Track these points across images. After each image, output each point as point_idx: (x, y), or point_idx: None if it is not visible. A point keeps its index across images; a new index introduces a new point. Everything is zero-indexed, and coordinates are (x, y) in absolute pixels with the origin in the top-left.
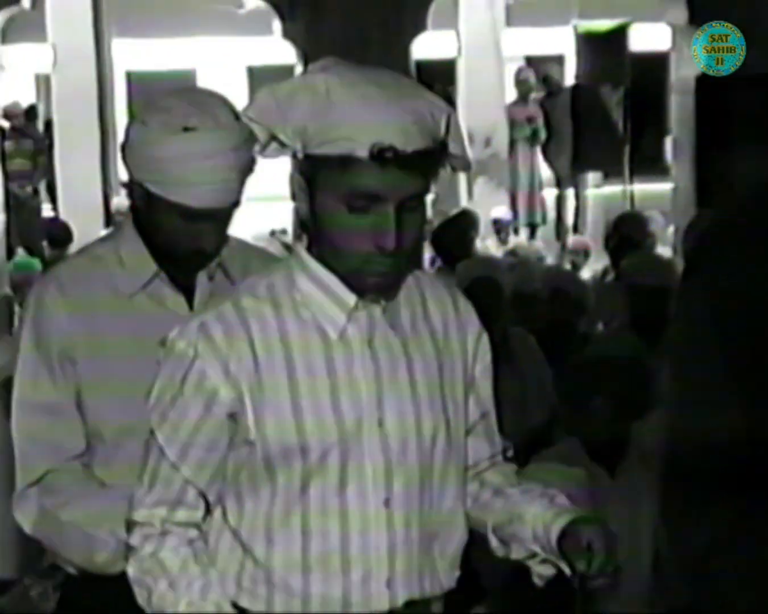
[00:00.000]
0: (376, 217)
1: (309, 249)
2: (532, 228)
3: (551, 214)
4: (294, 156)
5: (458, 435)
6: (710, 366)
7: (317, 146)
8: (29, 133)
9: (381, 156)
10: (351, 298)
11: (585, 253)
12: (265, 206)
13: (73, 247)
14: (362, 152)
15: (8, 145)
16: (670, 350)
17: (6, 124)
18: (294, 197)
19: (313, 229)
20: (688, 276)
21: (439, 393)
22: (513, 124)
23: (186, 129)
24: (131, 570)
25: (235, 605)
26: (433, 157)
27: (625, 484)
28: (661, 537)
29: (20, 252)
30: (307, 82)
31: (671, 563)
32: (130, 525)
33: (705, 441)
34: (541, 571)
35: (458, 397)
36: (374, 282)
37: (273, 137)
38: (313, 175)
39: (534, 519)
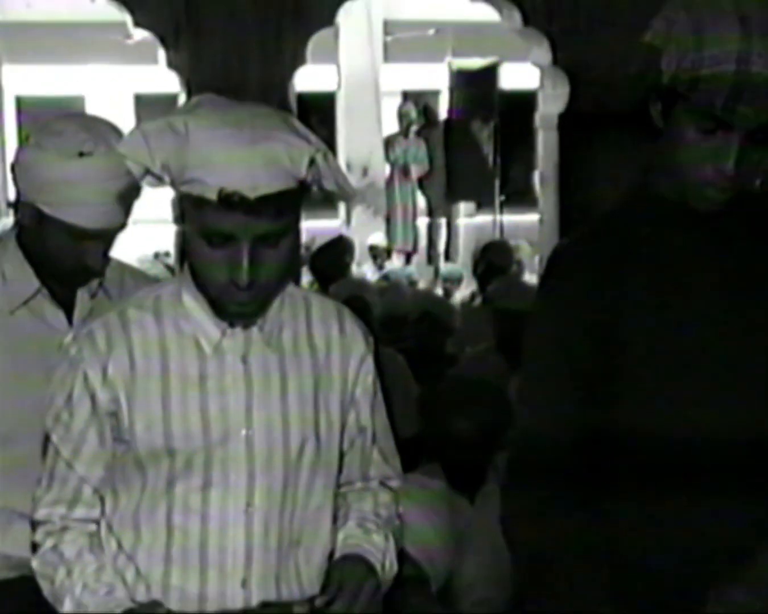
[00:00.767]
0: (230, 254)
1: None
2: (408, 254)
3: (423, 242)
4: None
5: (329, 450)
6: (551, 368)
7: (179, 184)
8: None
9: (228, 200)
10: (225, 318)
11: (458, 280)
12: (150, 229)
13: None
14: (211, 195)
15: None
16: (522, 357)
17: None
18: (176, 221)
19: (187, 255)
20: (539, 289)
21: (312, 409)
22: (390, 154)
23: (81, 154)
24: (35, 564)
25: None
26: (289, 198)
27: (485, 510)
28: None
29: None
30: (170, 121)
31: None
32: (33, 525)
33: (542, 439)
34: None
35: (333, 415)
36: (235, 311)
37: (147, 171)
38: (182, 207)
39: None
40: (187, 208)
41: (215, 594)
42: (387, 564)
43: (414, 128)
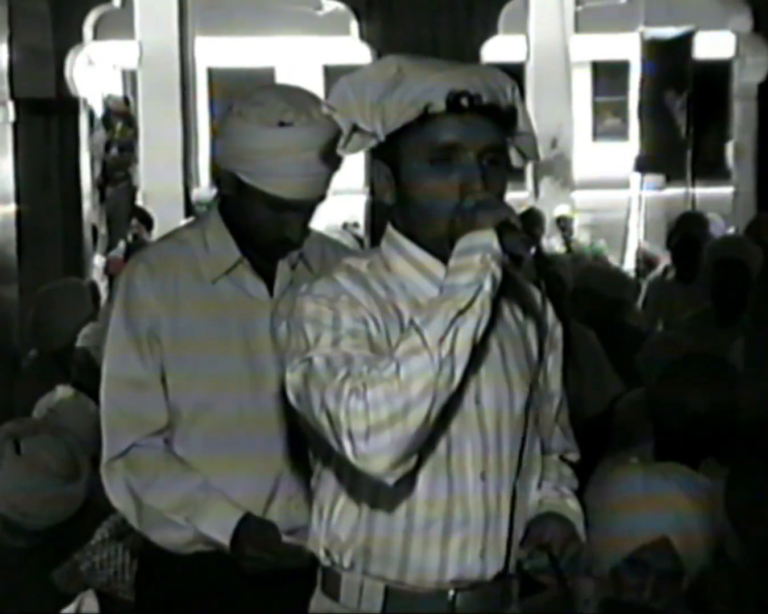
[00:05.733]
0: (460, 167)
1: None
2: None
3: (618, 215)
4: (373, 150)
5: (538, 414)
6: None
7: (396, 120)
8: (129, 123)
9: (457, 102)
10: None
11: (649, 263)
12: (338, 199)
13: (154, 235)
14: (440, 104)
15: (109, 133)
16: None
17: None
18: (375, 191)
19: (399, 209)
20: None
21: (528, 371)
22: None
23: (282, 124)
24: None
25: (330, 567)
26: (504, 114)
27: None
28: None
29: (121, 245)
30: (378, 66)
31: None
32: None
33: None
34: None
35: (539, 379)
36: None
37: (355, 128)
38: (395, 152)
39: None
40: (404, 146)
41: (455, 565)
42: (580, 532)
43: None
